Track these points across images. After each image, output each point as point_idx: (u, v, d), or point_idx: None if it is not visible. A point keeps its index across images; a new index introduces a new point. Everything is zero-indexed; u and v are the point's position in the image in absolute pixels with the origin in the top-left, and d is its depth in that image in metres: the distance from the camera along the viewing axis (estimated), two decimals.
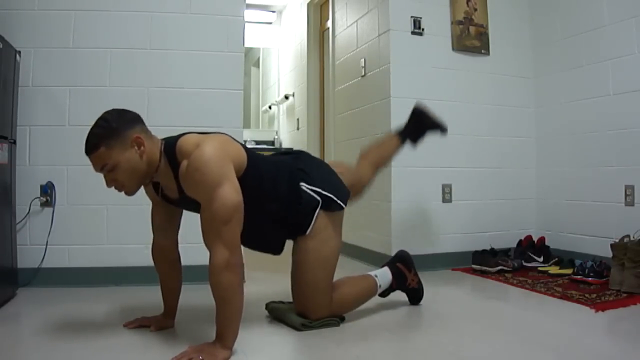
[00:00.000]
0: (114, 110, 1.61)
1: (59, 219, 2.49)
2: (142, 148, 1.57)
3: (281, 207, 1.77)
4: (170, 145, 1.60)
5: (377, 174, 2.31)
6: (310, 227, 1.79)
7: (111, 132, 1.53)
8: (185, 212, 1.83)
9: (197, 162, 1.50)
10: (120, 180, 1.57)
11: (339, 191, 1.86)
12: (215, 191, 1.47)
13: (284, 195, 1.76)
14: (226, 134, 1.71)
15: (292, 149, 5.18)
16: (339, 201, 1.83)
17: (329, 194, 1.81)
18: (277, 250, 1.88)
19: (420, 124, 2.43)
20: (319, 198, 1.79)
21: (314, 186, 1.80)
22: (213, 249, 1.48)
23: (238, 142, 1.73)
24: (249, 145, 4.78)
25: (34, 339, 1.70)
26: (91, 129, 1.55)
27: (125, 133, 1.55)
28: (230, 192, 1.49)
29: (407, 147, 2.44)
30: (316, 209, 1.78)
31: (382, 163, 2.33)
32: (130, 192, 1.63)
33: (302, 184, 1.79)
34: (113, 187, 1.60)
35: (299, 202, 1.77)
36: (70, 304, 2.16)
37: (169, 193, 1.68)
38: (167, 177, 1.63)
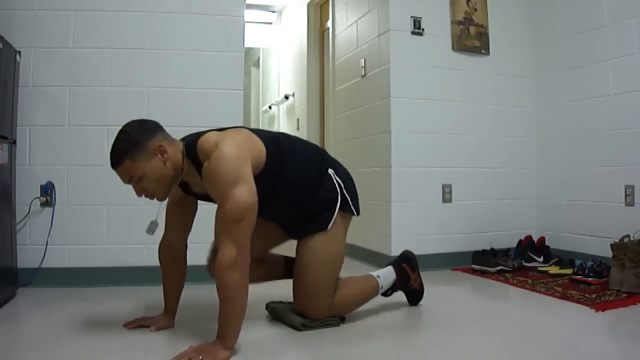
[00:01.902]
0: (133, 122, 1.62)
1: (59, 219, 2.49)
2: (165, 155, 1.58)
3: (305, 194, 1.78)
4: (191, 146, 1.62)
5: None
6: (332, 222, 1.79)
7: (134, 144, 1.55)
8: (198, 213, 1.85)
9: (215, 162, 1.52)
10: (149, 189, 1.60)
11: (355, 197, 1.89)
12: (230, 190, 1.49)
13: (310, 180, 1.78)
14: (245, 128, 1.72)
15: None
16: (352, 207, 1.85)
17: (347, 195, 1.83)
18: (288, 230, 1.90)
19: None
20: (338, 191, 1.81)
21: (339, 178, 1.83)
22: (222, 246, 1.49)
23: (259, 132, 1.72)
24: None
25: (34, 339, 1.70)
26: (113, 143, 1.57)
27: (147, 143, 1.56)
28: (245, 193, 1.50)
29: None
30: (336, 203, 1.80)
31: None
32: (161, 199, 1.67)
33: (330, 170, 1.84)
34: (143, 196, 1.63)
35: (322, 185, 1.80)
36: (70, 304, 2.16)
37: (197, 189, 1.70)
38: (193, 176, 1.65)
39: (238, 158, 1.54)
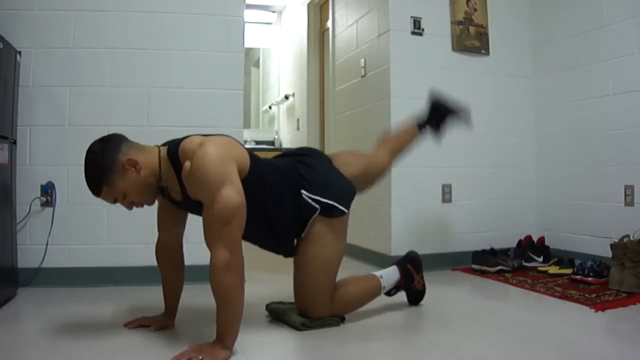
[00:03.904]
0: (94, 144, 1.60)
1: (59, 219, 2.49)
2: (137, 166, 1.58)
3: (285, 212, 1.76)
4: (174, 148, 1.61)
5: (395, 163, 2.24)
6: (305, 231, 1.79)
7: (103, 170, 1.55)
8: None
9: (200, 161, 1.50)
10: (136, 201, 1.62)
11: (340, 196, 1.83)
12: (217, 191, 1.47)
13: (286, 201, 1.76)
14: (229, 136, 1.71)
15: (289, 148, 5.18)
16: (340, 207, 1.82)
17: (328, 201, 1.79)
18: (288, 251, 1.86)
19: (438, 115, 2.28)
20: (317, 206, 1.78)
21: (313, 194, 1.78)
22: (213, 249, 1.48)
23: (241, 145, 1.73)
24: (248, 146, 4.79)
25: (34, 339, 1.70)
26: (85, 173, 1.58)
27: (115, 163, 1.55)
28: (232, 193, 1.48)
29: (431, 139, 2.33)
30: (312, 216, 1.78)
31: (399, 151, 2.24)
32: (151, 204, 1.70)
33: (302, 191, 1.79)
34: (134, 208, 1.66)
35: (299, 210, 1.78)
36: (71, 304, 2.16)
37: (174, 195, 1.69)
38: (171, 180, 1.64)
39: (223, 158, 1.53)
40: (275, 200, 1.74)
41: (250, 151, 1.74)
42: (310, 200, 1.78)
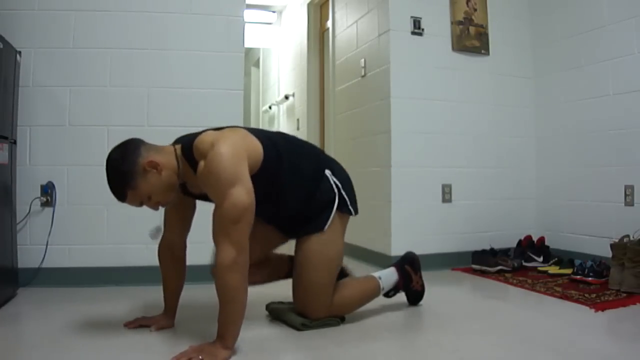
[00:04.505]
0: (114, 151, 1.61)
1: (59, 219, 2.49)
2: (158, 167, 1.59)
3: (300, 195, 1.78)
4: (188, 146, 1.63)
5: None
6: (328, 223, 1.79)
7: (125, 176, 1.56)
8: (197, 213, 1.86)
9: (211, 163, 1.52)
10: (162, 201, 1.64)
11: (353, 198, 1.89)
12: (227, 191, 1.49)
13: (305, 181, 1.78)
14: (242, 128, 1.72)
15: None
16: (350, 207, 1.84)
17: (345, 195, 1.83)
18: (286, 231, 1.90)
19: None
20: (336, 192, 1.80)
21: (336, 178, 1.82)
22: (220, 247, 1.49)
23: (256, 132, 1.72)
24: None
25: (34, 339, 1.71)
26: (108, 180, 1.58)
27: (136, 167, 1.56)
28: (242, 194, 1.50)
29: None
30: (333, 204, 1.80)
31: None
32: (175, 202, 1.72)
33: (327, 171, 1.82)
34: (159, 208, 1.67)
35: (318, 187, 1.79)
36: (71, 304, 2.16)
37: (194, 190, 1.71)
38: (189, 176, 1.66)
39: (234, 158, 1.54)
40: (291, 185, 1.75)
41: (267, 137, 1.72)
42: (332, 182, 1.81)
